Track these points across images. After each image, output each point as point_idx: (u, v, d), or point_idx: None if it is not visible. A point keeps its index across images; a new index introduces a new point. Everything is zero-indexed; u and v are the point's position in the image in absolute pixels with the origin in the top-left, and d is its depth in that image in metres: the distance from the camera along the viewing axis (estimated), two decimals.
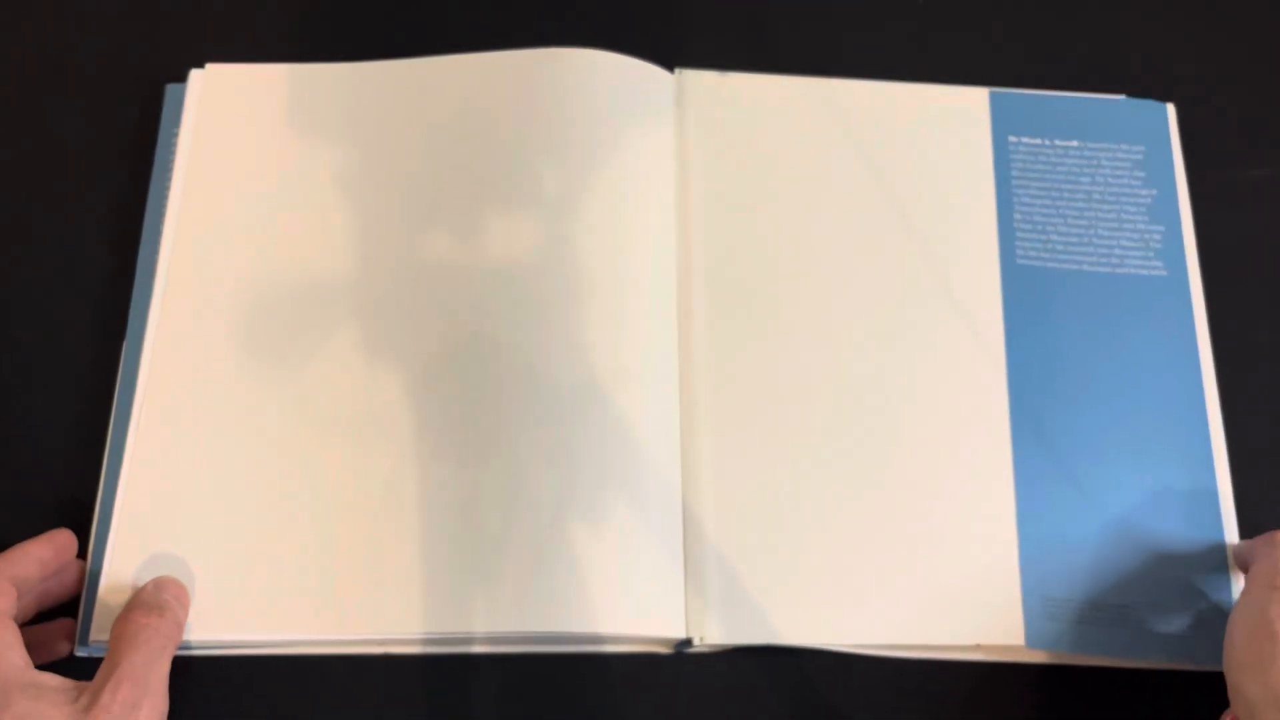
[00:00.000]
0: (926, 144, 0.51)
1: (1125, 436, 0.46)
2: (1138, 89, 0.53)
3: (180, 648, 0.40)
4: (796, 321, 0.48)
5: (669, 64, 0.52)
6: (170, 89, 0.52)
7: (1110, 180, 0.51)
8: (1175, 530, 0.45)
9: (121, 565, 0.42)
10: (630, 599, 0.42)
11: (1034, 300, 0.49)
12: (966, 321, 0.48)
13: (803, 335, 0.48)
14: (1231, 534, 0.45)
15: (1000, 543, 0.45)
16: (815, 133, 0.51)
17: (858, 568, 0.44)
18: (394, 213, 0.48)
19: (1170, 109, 0.53)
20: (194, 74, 0.51)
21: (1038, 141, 0.52)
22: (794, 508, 0.45)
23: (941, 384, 0.47)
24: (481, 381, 0.45)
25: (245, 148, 0.50)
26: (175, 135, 0.50)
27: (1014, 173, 0.51)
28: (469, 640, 0.43)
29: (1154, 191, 0.51)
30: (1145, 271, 0.49)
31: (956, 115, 0.52)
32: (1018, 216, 0.50)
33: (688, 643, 0.43)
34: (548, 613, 0.42)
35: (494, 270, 0.47)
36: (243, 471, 0.44)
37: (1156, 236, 0.50)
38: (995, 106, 0.52)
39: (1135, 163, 0.51)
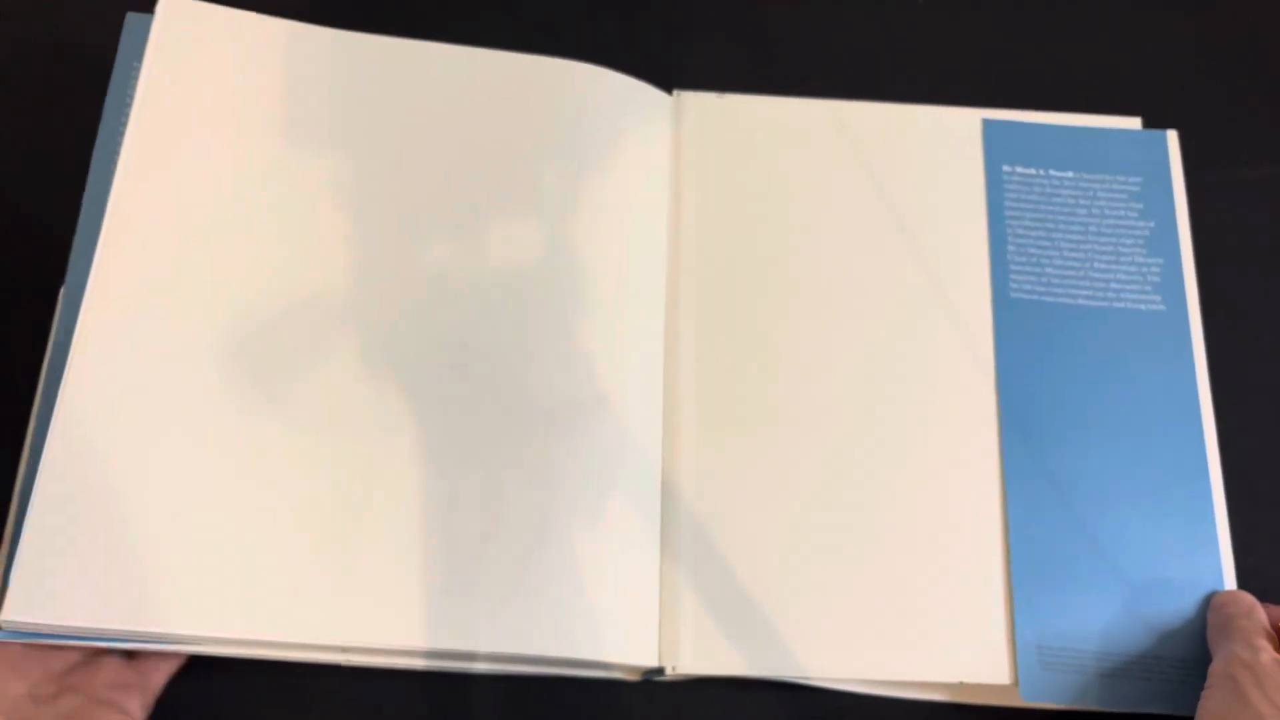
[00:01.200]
0: (921, 169, 0.50)
1: (1121, 477, 0.45)
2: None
3: (144, 640, 0.39)
4: (784, 350, 0.47)
5: (668, 85, 0.51)
6: (131, 18, 0.46)
7: (1107, 212, 0.50)
8: (1173, 574, 0.43)
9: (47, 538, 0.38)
10: (603, 624, 0.41)
11: (1027, 335, 0.47)
12: (958, 356, 0.47)
13: (790, 364, 0.47)
14: (1230, 578, 0.44)
15: (989, 583, 0.43)
16: (811, 155, 0.50)
17: (838, 601, 0.43)
18: (383, 211, 0.45)
19: (1171, 136, 0.51)
20: (161, 5, 0.46)
21: (1032, 172, 0.50)
22: (776, 537, 0.44)
23: (931, 417, 0.46)
24: (465, 391, 0.44)
25: (209, 106, 0.45)
26: (132, 72, 0.45)
27: (1008, 203, 0.50)
28: (437, 655, 0.41)
29: (1151, 223, 0.49)
30: (1143, 306, 0.48)
31: (950, 141, 0.51)
32: (1011, 249, 0.49)
33: (659, 671, 0.42)
34: (518, 633, 0.40)
35: (482, 278, 0.45)
36: (204, 466, 0.41)
37: (1155, 270, 0.49)
38: (989, 134, 0.51)
39: (1132, 194, 0.50)
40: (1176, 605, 0.43)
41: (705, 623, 0.42)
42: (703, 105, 0.51)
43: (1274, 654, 0.39)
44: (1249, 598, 0.42)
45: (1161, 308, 0.48)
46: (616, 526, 0.43)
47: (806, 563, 0.43)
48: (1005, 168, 0.50)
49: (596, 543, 0.42)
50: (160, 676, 0.41)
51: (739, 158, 0.50)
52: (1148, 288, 0.48)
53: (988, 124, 0.51)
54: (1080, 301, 0.48)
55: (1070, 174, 0.50)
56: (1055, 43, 0.55)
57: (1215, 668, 0.39)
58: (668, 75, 0.52)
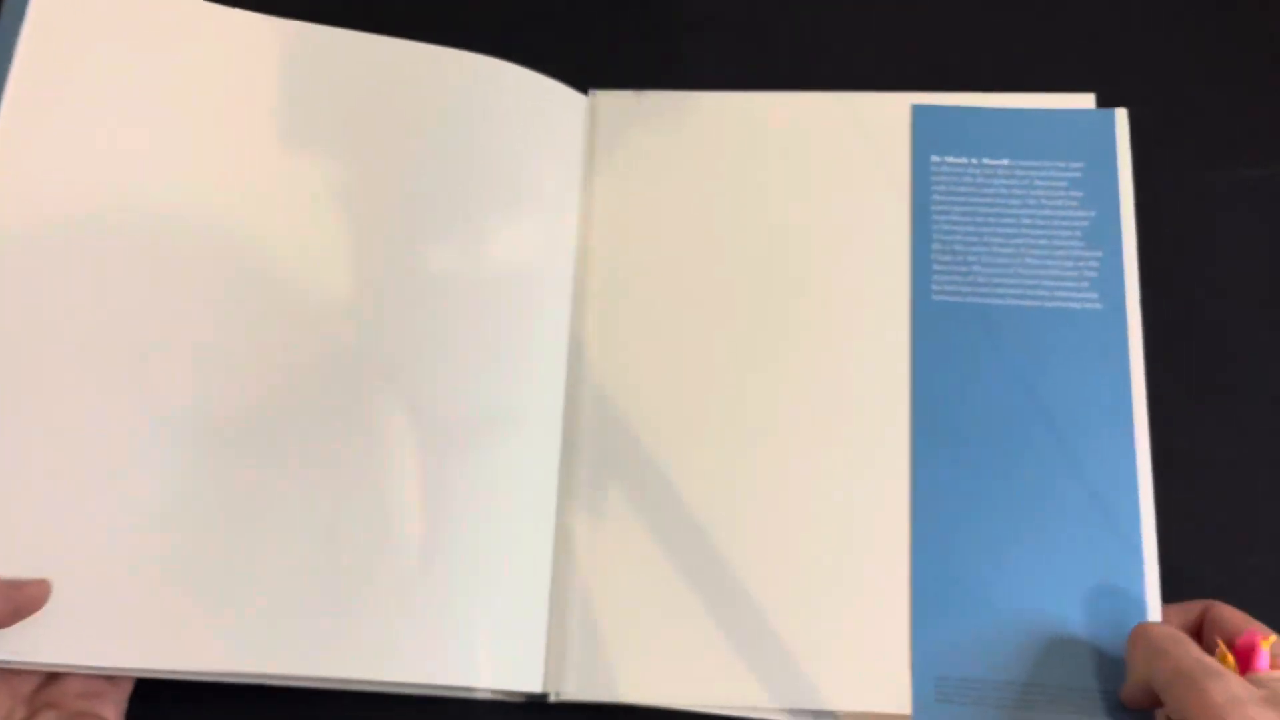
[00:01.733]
0: (843, 164, 0.48)
1: (1041, 494, 0.42)
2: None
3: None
4: (689, 364, 0.45)
5: (584, 85, 0.50)
6: None
7: (1044, 201, 0.46)
8: (1094, 599, 0.41)
9: None
10: (489, 651, 0.41)
11: (947, 340, 0.45)
12: (870, 365, 0.45)
13: (696, 381, 0.45)
14: (1154, 602, 0.41)
15: (892, 606, 0.42)
16: (728, 152, 0.48)
17: (733, 625, 0.42)
18: (271, 212, 0.44)
19: (1120, 116, 0.47)
20: None
21: (963, 161, 0.47)
22: (672, 559, 0.43)
23: (840, 431, 0.44)
24: (358, 408, 0.43)
25: (93, 65, 0.44)
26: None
27: (935, 196, 0.47)
28: (318, 679, 0.40)
29: (1092, 213, 0.46)
30: (1076, 305, 0.45)
31: (875, 131, 0.48)
32: (936, 246, 0.46)
33: (543, 697, 0.42)
34: (393, 660, 0.40)
35: (375, 285, 0.44)
36: (68, 469, 0.40)
37: (1092, 264, 0.45)
38: (918, 122, 0.48)
39: (1073, 180, 0.46)
40: (1097, 633, 0.40)
41: (593, 649, 0.42)
42: (619, 104, 0.50)
43: (1241, 679, 0.35)
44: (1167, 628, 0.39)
45: (1098, 305, 0.45)
46: (508, 551, 0.42)
47: (701, 584, 0.42)
48: (934, 158, 0.47)
49: (486, 567, 0.42)
50: (129, 680, 0.41)
51: (654, 157, 0.49)
52: (1084, 284, 0.45)
53: (917, 110, 0.48)
54: (1009, 301, 0.45)
55: (1005, 161, 0.47)
56: (1047, 36, 0.52)
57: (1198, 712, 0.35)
58: (585, 75, 0.50)
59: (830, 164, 0.48)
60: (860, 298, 0.45)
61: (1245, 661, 0.36)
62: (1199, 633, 0.39)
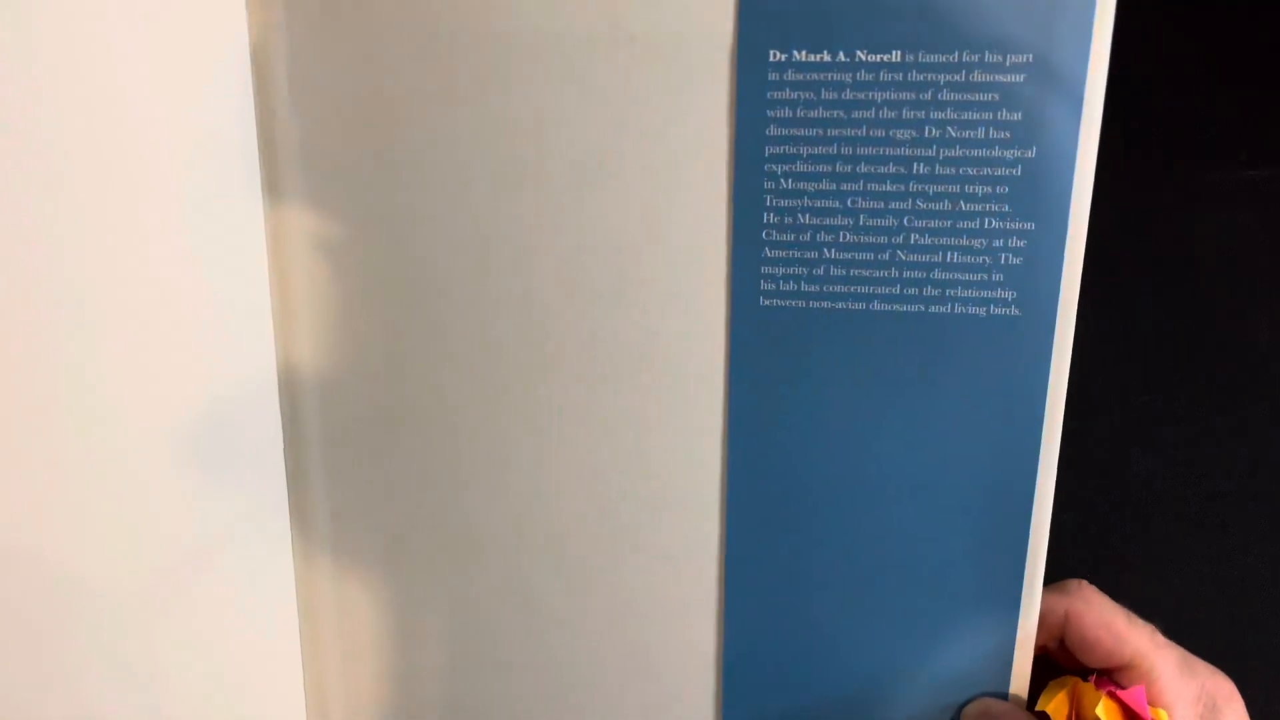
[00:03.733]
0: (633, 69, 0.29)
1: (888, 565, 0.32)
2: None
3: None
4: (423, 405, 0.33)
5: None
6: None
7: (950, 130, 0.27)
8: (941, 689, 0.33)
9: None
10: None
11: (780, 367, 0.30)
12: (673, 401, 0.31)
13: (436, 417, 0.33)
14: (1021, 683, 0.33)
15: (698, 688, 0.35)
16: (463, 62, 0.29)
17: (510, 691, 0.36)
18: None
19: None
20: None
21: (821, 58, 0.27)
22: (433, 597, 0.36)
23: (639, 482, 0.33)
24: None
25: None
26: None
27: (771, 129, 0.28)
28: None
29: (1030, 153, 0.27)
30: (981, 310, 0.29)
31: (688, 9, 0.28)
32: (769, 220, 0.29)
33: None
34: None
35: None
36: None
37: (1016, 243, 0.28)
38: None
39: (1006, 92, 0.27)
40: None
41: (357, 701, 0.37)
42: None
43: None
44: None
45: (1014, 312, 0.29)
46: (243, 608, 0.36)
47: (472, 628, 0.36)
48: (774, 54, 0.27)
49: (223, 635, 0.36)
50: None
51: (361, 77, 0.30)
52: (997, 276, 0.28)
53: None
54: (876, 306, 0.29)
55: (894, 56, 0.27)
56: None
57: None
58: None
59: (611, 68, 0.28)
60: (652, 305, 0.30)
61: None
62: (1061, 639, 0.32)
